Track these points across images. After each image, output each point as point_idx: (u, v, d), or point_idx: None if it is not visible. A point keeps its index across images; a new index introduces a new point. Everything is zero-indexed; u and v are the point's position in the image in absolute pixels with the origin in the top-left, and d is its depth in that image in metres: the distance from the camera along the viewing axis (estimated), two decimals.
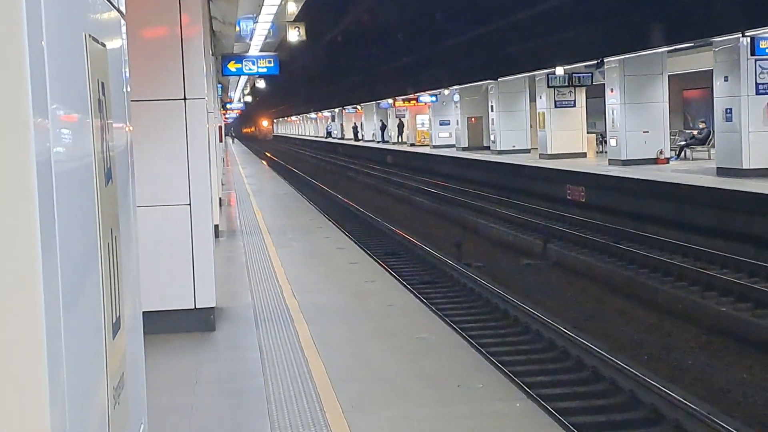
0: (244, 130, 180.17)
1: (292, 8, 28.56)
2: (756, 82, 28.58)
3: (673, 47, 33.66)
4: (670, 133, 38.33)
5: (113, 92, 2.86)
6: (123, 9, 3.33)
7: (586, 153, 43.46)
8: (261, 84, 57.96)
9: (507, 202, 35.19)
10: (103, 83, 2.59)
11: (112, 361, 2.54)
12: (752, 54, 28.08)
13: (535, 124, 46.53)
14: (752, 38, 27.74)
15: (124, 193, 3.08)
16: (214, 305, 12.50)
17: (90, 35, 2.43)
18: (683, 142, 38.98)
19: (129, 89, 3.48)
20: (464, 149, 55.71)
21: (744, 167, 28.25)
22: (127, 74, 3.47)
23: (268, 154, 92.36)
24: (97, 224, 2.42)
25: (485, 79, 48.84)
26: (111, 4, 2.99)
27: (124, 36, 3.38)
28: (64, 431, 1.93)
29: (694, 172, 30.84)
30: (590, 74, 42.35)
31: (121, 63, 3.27)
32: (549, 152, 43.27)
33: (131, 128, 3.53)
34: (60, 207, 1.97)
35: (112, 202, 2.71)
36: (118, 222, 2.82)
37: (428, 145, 65.52)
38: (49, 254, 1.88)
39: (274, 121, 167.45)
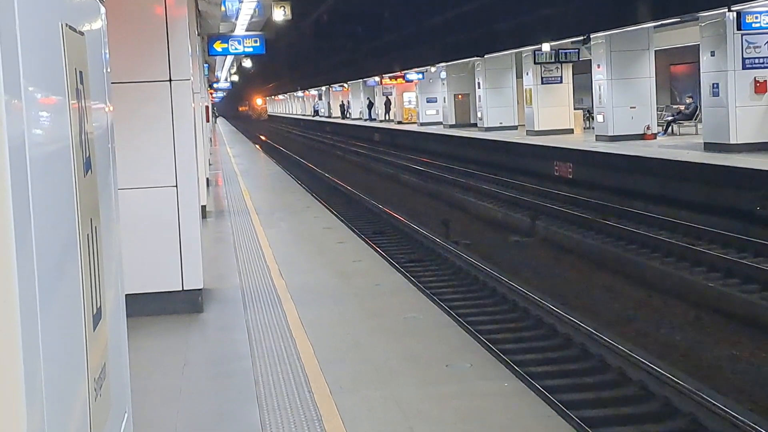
0: (241, 109, 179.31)
1: None
2: (742, 57, 28.62)
3: (660, 22, 33.61)
4: (657, 108, 38.34)
5: (92, 78, 2.83)
6: None
7: (573, 129, 43.51)
8: (248, 63, 57.80)
9: (494, 179, 35.16)
10: (81, 72, 2.56)
11: (93, 353, 2.51)
12: (738, 29, 28.09)
13: (522, 100, 46.48)
14: (738, 13, 27.73)
15: (104, 180, 3.05)
16: (201, 287, 12.50)
17: (67, 24, 2.40)
18: (670, 118, 38.98)
19: (109, 70, 3.45)
20: (451, 126, 55.63)
21: (731, 142, 28.29)
22: (107, 57, 3.44)
23: (256, 134, 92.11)
24: (76, 215, 2.39)
25: (472, 56, 48.75)
26: None
27: (104, 20, 3.36)
28: (42, 427, 1.90)
29: (681, 147, 30.85)
30: (577, 50, 42.29)
31: (100, 47, 3.24)
32: (536, 129, 43.22)
33: (111, 108, 3.49)
34: (36, 197, 1.94)
35: (91, 191, 2.68)
36: (98, 211, 2.79)
37: (415, 123, 65.50)
38: (24, 246, 1.85)
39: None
